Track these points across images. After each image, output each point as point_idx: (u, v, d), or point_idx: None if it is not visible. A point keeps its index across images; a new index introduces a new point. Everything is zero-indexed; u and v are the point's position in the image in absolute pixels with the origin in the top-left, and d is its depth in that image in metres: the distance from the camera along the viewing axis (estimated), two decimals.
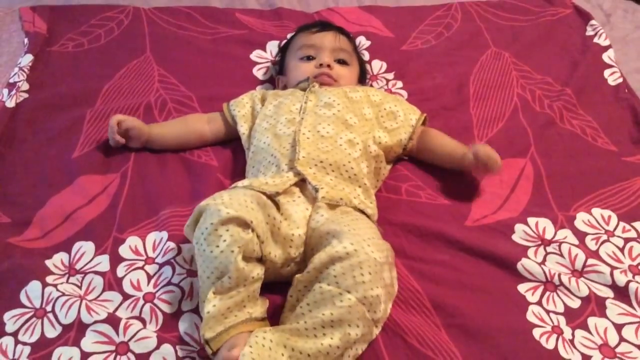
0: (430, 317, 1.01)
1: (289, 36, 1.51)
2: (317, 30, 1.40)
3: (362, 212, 1.08)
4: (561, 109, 1.40)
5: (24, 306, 1.00)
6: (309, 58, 1.35)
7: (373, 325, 0.93)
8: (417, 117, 1.27)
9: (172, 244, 1.09)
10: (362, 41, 1.59)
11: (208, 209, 0.95)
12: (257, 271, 0.96)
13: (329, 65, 1.32)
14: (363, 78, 1.45)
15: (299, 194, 1.08)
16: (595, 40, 1.58)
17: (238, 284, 0.93)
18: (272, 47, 1.57)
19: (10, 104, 1.36)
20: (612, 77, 1.48)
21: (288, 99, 1.25)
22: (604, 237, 1.14)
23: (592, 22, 1.63)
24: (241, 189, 1.02)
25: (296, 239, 1.01)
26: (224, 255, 0.92)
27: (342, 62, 1.36)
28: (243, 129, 1.27)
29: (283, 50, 1.47)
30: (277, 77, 1.44)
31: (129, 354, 0.94)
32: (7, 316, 0.99)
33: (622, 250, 1.12)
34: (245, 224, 0.94)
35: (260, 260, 0.98)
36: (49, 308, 1.00)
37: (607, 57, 1.53)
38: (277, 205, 1.04)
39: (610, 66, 1.51)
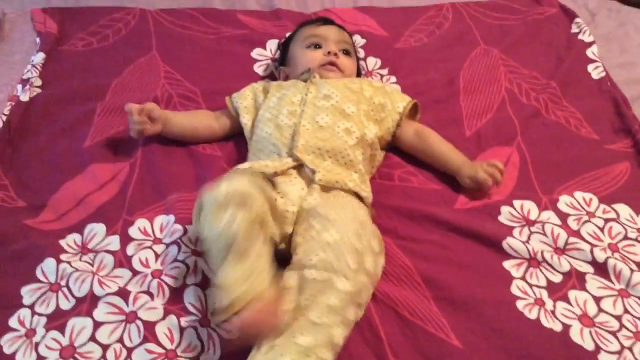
0: (421, 291, 1.08)
1: (287, 35, 1.58)
2: (322, 24, 1.49)
3: (357, 194, 1.15)
4: (547, 101, 1.47)
5: (39, 281, 1.07)
6: (317, 46, 1.42)
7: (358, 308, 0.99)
8: (405, 105, 1.33)
9: (178, 226, 1.16)
10: (358, 39, 1.66)
11: (207, 197, 0.98)
12: (263, 236, 0.96)
13: (335, 54, 1.40)
14: (358, 75, 1.52)
15: (295, 175, 1.15)
16: (580, 37, 1.65)
17: (247, 248, 0.93)
18: (272, 45, 1.64)
19: (24, 98, 1.43)
20: (595, 72, 1.55)
21: (290, 91, 1.32)
22: (585, 217, 1.20)
23: (577, 19, 1.71)
24: (239, 174, 1.04)
25: (290, 216, 1.08)
26: (227, 227, 0.92)
27: (346, 52, 1.44)
28: (245, 119, 1.34)
29: (286, 44, 1.53)
30: (279, 68, 1.51)
31: (137, 322, 1.01)
32: (24, 290, 1.06)
33: (602, 229, 1.18)
34: (243, 203, 0.96)
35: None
36: (63, 283, 1.06)
37: (591, 52, 1.60)
38: (274, 185, 1.10)
39: (594, 61, 1.58)
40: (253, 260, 0.93)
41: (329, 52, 1.39)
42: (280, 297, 0.93)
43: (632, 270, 1.10)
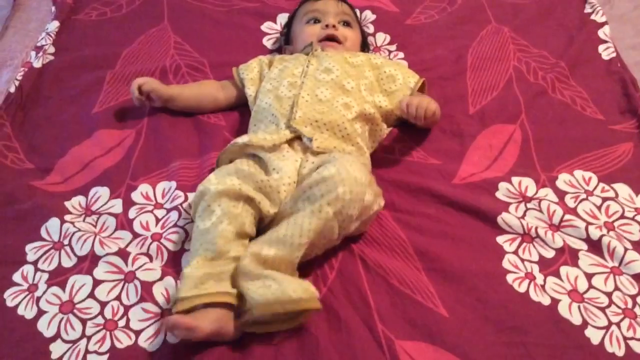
0: (413, 262, 1.09)
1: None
2: None
3: None
4: (554, 80, 1.45)
5: (43, 239, 1.12)
6: (315, 21, 1.44)
7: (336, 239, 1.04)
8: (416, 81, 1.35)
9: (179, 192, 1.19)
10: (368, 15, 1.67)
11: (201, 191, 1.05)
12: (239, 249, 1.01)
13: (334, 26, 1.41)
14: (365, 48, 1.52)
15: (287, 149, 1.16)
16: (592, 17, 1.63)
17: (221, 254, 0.99)
18: (282, 19, 1.66)
19: (37, 64, 1.48)
20: (606, 52, 1.53)
21: (291, 63, 1.34)
22: (583, 195, 1.20)
23: (591, 0, 1.68)
24: (225, 168, 1.09)
25: (287, 188, 1.09)
26: (212, 226, 1.00)
27: (346, 24, 1.45)
28: (250, 91, 1.36)
29: (289, 23, 1.55)
30: (284, 47, 1.53)
31: (135, 282, 1.04)
32: (28, 247, 1.10)
33: (599, 208, 1.18)
34: (236, 195, 1.03)
35: (251, 238, 1.05)
36: (66, 242, 1.11)
37: (603, 33, 1.58)
38: (266, 165, 1.13)
39: (605, 42, 1.56)
40: (223, 266, 0.99)
41: (327, 26, 1.40)
42: (231, 313, 0.96)
43: (626, 249, 1.10)
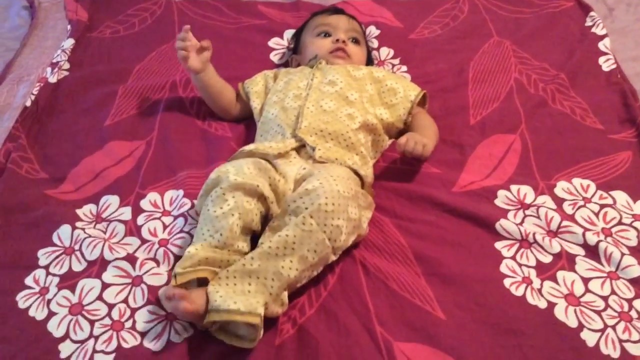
0: (412, 267, 1.12)
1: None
2: (332, 13, 1.55)
3: (355, 172, 1.19)
4: (554, 91, 1.48)
5: (55, 245, 1.16)
6: (326, 35, 1.49)
7: (331, 252, 1.05)
8: (417, 94, 1.38)
9: (186, 200, 1.23)
10: (372, 30, 1.71)
11: (218, 178, 1.09)
12: (243, 245, 1.06)
13: (344, 41, 1.45)
14: (369, 63, 1.57)
15: (295, 156, 1.21)
16: (593, 30, 1.66)
17: (225, 245, 1.04)
18: (289, 35, 1.71)
19: (53, 80, 1.54)
20: (606, 64, 1.56)
21: (296, 76, 1.39)
22: (581, 202, 1.22)
23: (592, 13, 1.71)
24: (242, 159, 1.15)
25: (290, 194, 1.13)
26: (223, 216, 1.04)
27: (354, 40, 1.49)
28: (255, 104, 1.41)
29: (298, 33, 1.61)
30: (292, 56, 1.58)
31: (142, 286, 1.08)
32: (40, 252, 1.14)
33: (597, 214, 1.20)
34: (251, 192, 1.07)
35: (252, 236, 1.10)
36: (76, 247, 1.15)
37: (603, 45, 1.61)
38: (275, 168, 1.17)
39: (605, 53, 1.58)
40: (226, 255, 1.03)
41: (337, 40, 1.44)
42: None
43: (622, 254, 1.11)
